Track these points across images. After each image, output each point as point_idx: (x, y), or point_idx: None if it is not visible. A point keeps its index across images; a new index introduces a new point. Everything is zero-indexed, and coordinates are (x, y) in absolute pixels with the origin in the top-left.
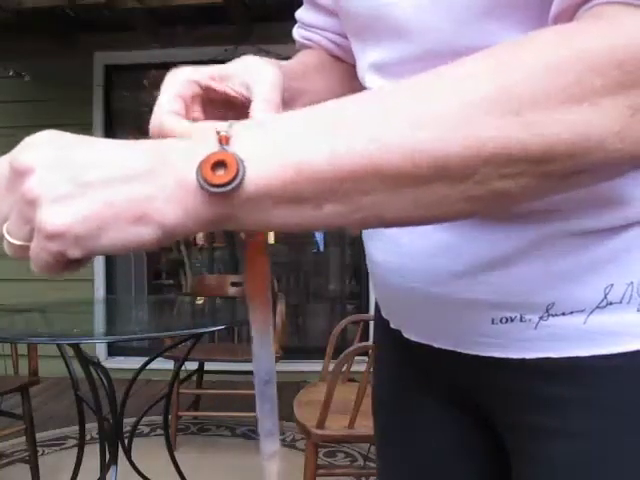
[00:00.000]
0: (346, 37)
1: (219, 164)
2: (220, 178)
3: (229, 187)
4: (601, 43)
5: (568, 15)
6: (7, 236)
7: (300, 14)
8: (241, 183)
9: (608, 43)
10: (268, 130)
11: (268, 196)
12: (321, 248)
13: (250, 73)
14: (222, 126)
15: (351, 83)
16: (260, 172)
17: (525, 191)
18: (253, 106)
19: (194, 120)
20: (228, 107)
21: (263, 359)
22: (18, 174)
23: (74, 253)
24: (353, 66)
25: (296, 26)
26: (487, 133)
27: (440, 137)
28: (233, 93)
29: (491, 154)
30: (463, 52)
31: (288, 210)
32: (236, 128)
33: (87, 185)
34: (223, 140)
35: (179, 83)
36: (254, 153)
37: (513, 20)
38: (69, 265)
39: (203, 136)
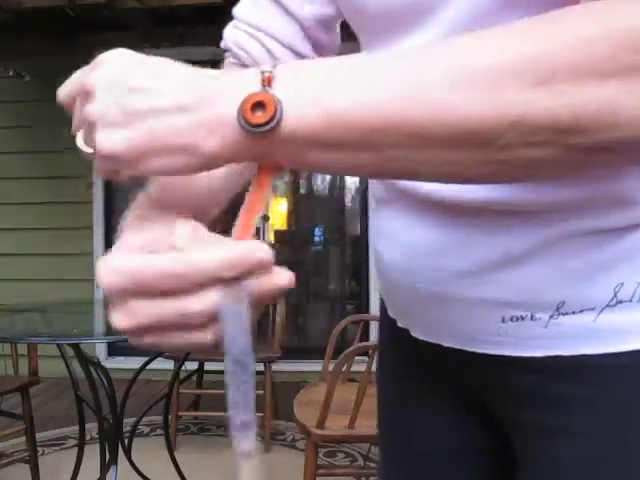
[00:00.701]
0: (293, 50)
1: (259, 104)
2: (258, 118)
3: (266, 127)
4: (633, 21)
5: None
6: (80, 143)
7: (243, 11)
8: (278, 124)
9: None
10: (309, 74)
11: (304, 139)
12: (320, 244)
13: None
14: (266, 66)
15: None
16: (297, 116)
17: (550, 162)
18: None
19: None
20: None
21: (237, 330)
22: (84, 93)
23: (125, 172)
24: None
25: (231, 25)
26: (516, 99)
27: (471, 100)
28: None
29: (518, 120)
30: None
31: (323, 153)
32: (279, 69)
33: (136, 113)
34: (266, 81)
35: None
36: (294, 97)
37: (535, 10)
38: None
39: (249, 75)
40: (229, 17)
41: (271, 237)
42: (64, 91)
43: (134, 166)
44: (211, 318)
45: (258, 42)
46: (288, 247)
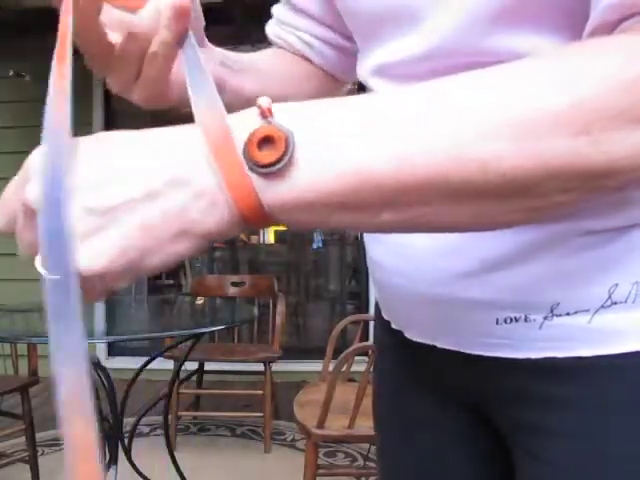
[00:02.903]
0: (325, 41)
1: (265, 141)
2: (268, 156)
3: (278, 166)
4: None
5: (609, 28)
6: (40, 267)
7: (277, 10)
8: (290, 162)
9: None
10: (322, 126)
11: (321, 202)
12: (320, 244)
13: None
14: (263, 100)
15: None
16: (314, 176)
17: (579, 202)
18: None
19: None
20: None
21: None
22: (28, 211)
23: (118, 285)
24: (325, 72)
25: (271, 22)
26: (558, 149)
27: (513, 150)
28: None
29: (558, 170)
30: (474, 52)
31: (342, 215)
32: (278, 107)
33: (112, 210)
34: (266, 112)
35: None
36: (308, 157)
37: (534, 21)
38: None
39: (243, 116)
40: (229, 17)
41: (271, 237)
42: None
43: (130, 274)
44: None
45: (294, 36)
46: (288, 247)
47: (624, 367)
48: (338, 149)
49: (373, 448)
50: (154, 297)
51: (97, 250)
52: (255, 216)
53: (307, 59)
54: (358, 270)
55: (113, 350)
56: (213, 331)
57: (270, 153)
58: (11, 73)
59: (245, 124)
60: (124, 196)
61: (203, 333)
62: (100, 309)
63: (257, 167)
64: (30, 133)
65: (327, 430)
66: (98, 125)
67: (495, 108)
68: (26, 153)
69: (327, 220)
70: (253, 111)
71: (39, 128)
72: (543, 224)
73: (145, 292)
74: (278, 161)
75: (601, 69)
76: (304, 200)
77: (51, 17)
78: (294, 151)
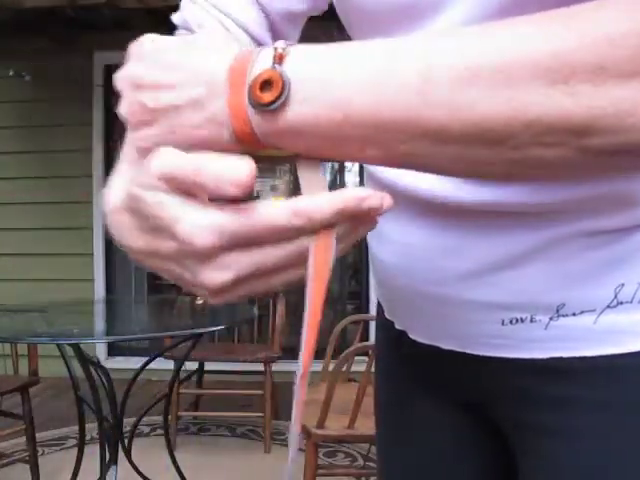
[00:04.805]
0: (255, 40)
1: (267, 83)
2: (266, 97)
3: (272, 107)
4: None
5: None
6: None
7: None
8: (284, 105)
9: None
10: (321, 59)
11: (307, 128)
12: None
13: None
14: (280, 43)
15: None
16: (304, 108)
17: (562, 163)
18: None
19: None
20: None
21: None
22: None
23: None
24: None
25: (189, 1)
26: (533, 98)
27: (486, 98)
28: None
29: (533, 120)
30: None
31: (329, 143)
32: (293, 48)
33: (155, 112)
34: (277, 58)
35: None
36: (303, 80)
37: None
38: None
39: (264, 52)
40: None
41: None
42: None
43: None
44: (306, 255)
45: (222, 26)
46: None
47: (629, 367)
48: (327, 90)
49: (373, 448)
50: (154, 297)
51: (144, 134)
52: (248, 140)
53: None
54: (358, 270)
55: (113, 350)
56: (213, 331)
57: (268, 94)
58: (11, 73)
59: (262, 63)
60: (163, 104)
61: (203, 333)
62: (100, 309)
63: (256, 104)
64: (30, 133)
65: (327, 430)
66: (98, 125)
67: (471, 54)
68: (26, 153)
69: (315, 148)
70: (270, 52)
71: (39, 128)
72: (545, 224)
73: (145, 292)
74: (273, 102)
75: (588, 22)
76: (292, 131)
77: (51, 18)
78: (288, 96)
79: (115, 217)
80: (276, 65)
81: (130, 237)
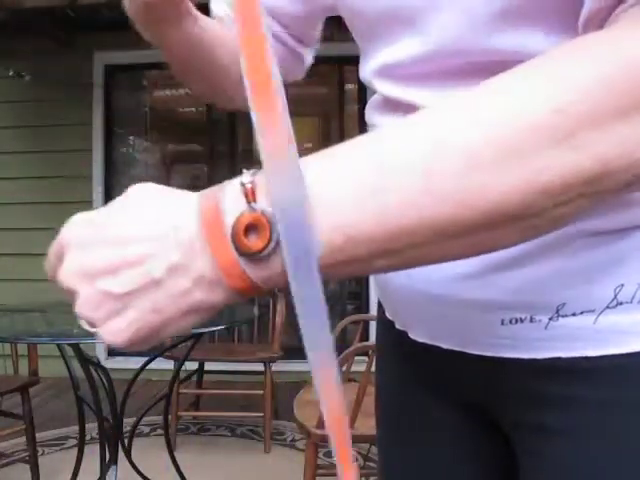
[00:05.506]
0: (289, 33)
1: (251, 227)
2: (254, 245)
3: (265, 253)
4: None
5: (601, 17)
6: (83, 324)
7: None
8: (279, 243)
9: None
10: (297, 183)
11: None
12: None
13: None
14: (244, 177)
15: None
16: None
17: (579, 212)
18: None
19: None
20: None
21: None
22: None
23: (142, 347)
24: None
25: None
26: (543, 163)
27: (495, 176)
28: None
29: (548, 185)
30: (476, 53)
31: (336, 269)
32: (260, 181)
33: (127, 296)
34: (250, 195)
35: None
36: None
37: (534, 21)
38: None
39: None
40: None
41: None
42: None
43: (150, 342)
44: None
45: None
46: None
47: (629, 367)
48: (320, 207)
49: (373, 448)
50: None
51: (118, 328)
52: (249, 291)
53: None
54: None
55: (113, 350)
56: (213, 331)
57: (256, 242)
58: (11, 73)
59: (233, 206)
60: (136, 284)
61: (203, 333)
62: None
63: (245, 254)
64: (30, 133)
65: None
66: (98, 125)
67: (472, 137)
68: (26, 153)
69: (322, 275)
70: (238, 190)
71: (39, 128)
72: None
73: None
74: (264, 249)
75: (581, 68)
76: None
77: (51, 18)
78: (279, 237)
79: None
80: (253, 204)
81: None
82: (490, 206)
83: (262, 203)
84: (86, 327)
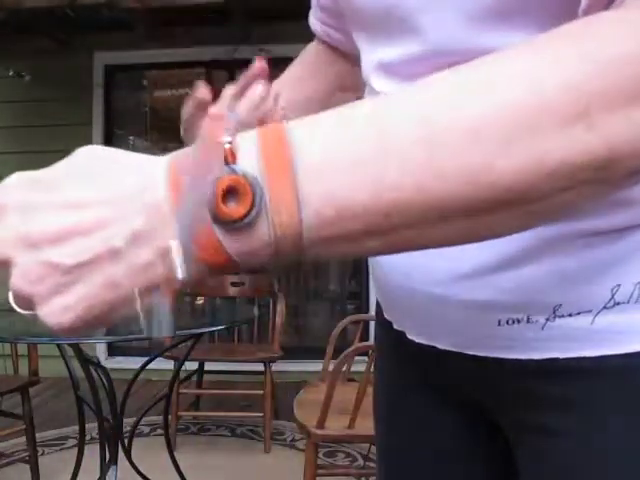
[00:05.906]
0: (336, 27)
1: (230, 192)
2: (234, 211)
3: (245, 221)
4: None
5: (604, 3)
6: (13, 303)
7: (314, 10)
8: (260, 211)
9: None
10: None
11: (293, 244)
12: None
13: None
14: (224, 137)
15: (343, 84)
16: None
17: (585, 199)
18: None
19: None
20: None
21: None
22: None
23: (91, 331)
24: (342, 52)
25: (313, 17)
26: (551, 142)
27: (502, 154)
28: None
29: (555, 167)
30: (474, 51)
31: (325, 247)
32: (242, 142)
33: (77, 268)
34: (229, 156)
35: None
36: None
37: (527, 19)
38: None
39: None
40: (229, 17)
41: None
42: None
43: (102, 322)
44: None
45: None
46: None
47: (626, 368)
48: (311, 179)
49: (373, 448)
50: None
51: (64, 307)
52: (223, 267)
53: (325, 42)
54: (358, 270)
55: (113, 350)
56: (213, 331)
57: (236, 208)
58: (11, 73)
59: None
60: (90, 254)
61: (203, 333)
62: None
63: (222, 222)
64: (30, 133)
65: (327, 430)
66: (98, 125)
67: (478, 111)
68: (26, 153)
69: (309, 254)
70: (218, 152)
71: (39, 128)
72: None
73: None
74: (245, 216)
75: (591, 49)
76: (275, 248)
77: (51, 18)
78: (261, 203)
79: None
80: (233, 166)
81: None
82: (492, 184)
83: (243, 165)
84: (17, 308)
